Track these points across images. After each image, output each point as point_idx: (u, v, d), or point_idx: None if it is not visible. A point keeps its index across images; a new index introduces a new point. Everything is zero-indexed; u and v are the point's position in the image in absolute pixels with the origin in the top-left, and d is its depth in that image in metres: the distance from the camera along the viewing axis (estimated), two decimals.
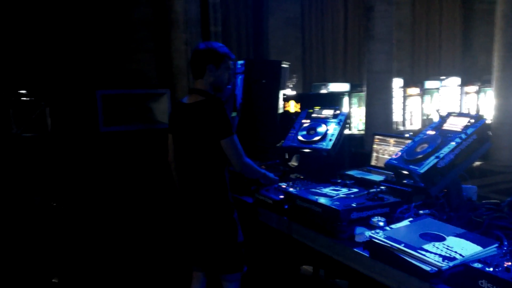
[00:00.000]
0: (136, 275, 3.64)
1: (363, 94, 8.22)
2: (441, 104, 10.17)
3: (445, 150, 2.10)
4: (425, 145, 2.22)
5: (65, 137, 3.55)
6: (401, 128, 9.47)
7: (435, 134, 2.27)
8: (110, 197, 3.61)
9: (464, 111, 10.29)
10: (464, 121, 2.20)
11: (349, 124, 3.00)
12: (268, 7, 8.87)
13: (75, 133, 3.57)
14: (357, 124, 8.81)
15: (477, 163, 8.93)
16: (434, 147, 2.15)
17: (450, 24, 12.65)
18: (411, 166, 2.16)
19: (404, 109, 9.72)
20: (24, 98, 3.39)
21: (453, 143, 2.10)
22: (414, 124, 9.74)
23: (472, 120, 2.17)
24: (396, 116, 9.25)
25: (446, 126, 2.29)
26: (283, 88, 4.63)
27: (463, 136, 2.11)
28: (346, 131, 3.19)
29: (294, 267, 3.19)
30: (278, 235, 2.55)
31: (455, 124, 2.24)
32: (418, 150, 2.23)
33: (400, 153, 2.34)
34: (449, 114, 2.35)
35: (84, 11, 3.97)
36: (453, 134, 2.17)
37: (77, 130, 3.58)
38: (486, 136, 2.17)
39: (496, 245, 1.71)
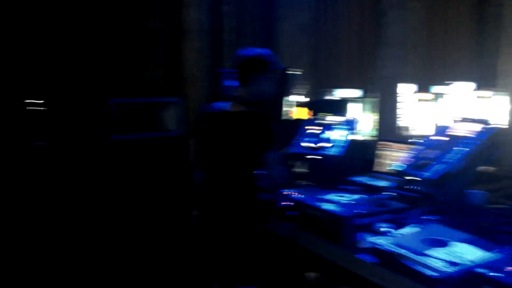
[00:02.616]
0: (139, 283, 3.65)
1: (376, 100, 8.19)
2: (454, 109, 10.06)
3: (457, 156, 2.08)
4: (435, 151, 2.21)
5: (77, 146, 3.60)
6: (413, 133, 9.38)
7: (445, 140, 2.25)
8: (119, 205, 3.65)
9: (479, 116, 10.17)
10: (476, 127, 2.18)
11: (356, 130, 2.98)
12: (280, 14, 8.90)
13: (87, 142, 3.62)
14: (370, 130, 8.77)
15: (488, 167, 8.80)
16: (444, 152, 2.14)
17: (465, 28, 12.52)
18: (419, 172, 2.15)
19: (416, 114, 9.64)
20: (37, 108, 3.45)
21: (466, 149, 2.08)
22: (426, 129, 9.64)
23: (486, 126, 2.14)
24: (409, 122, 9.17)
25: (457, 132, 2.27)
26: (288, 95, 4.65)
27: (478, 142, 2.08)
28: (359, 137, 3.18)
29: (299, 273, 3.18)
30: (283, 241, 2.55)
31: (466, 130, 2.22)
32: (427, 155, 2.22)
33: (408, 158, 2.33)
34: (459, 120, 2.34)
35: (99, 20, 4.04)
36: (465, 140, 2.14)
37: (89, 138, 3.63)
38: (498, 143, 2.15)
39: (500, 250, 1.69)
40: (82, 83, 3.75)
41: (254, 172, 2.30)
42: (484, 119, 2.20)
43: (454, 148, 2.11)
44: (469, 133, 2.17)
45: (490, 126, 2.14)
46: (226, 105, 2.39)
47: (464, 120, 2.30)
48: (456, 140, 2.17)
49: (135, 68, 4.32)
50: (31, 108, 3.49)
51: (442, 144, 2.20)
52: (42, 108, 3.53)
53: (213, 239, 2.39)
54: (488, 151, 2.09)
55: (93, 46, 3.94)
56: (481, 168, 2.15)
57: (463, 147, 2.09)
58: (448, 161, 2.06)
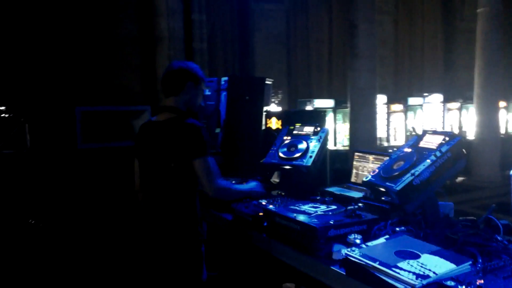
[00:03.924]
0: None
1: (348, 110, 8.32)
2: (424, 120, 10.32)
3: (421, 167, 2.13)
4: (401, 162, 2.25)
5: (44, 154, 3.51)
6: (385, 144, 9.57)
7: (411, 151, 2.30)
8: (86, 213, 3.58)
9: (447, 127, 10.48)
10: (439, 139, 2.24)
11: (328, 141, 2.99)
12: (253, 23, 8.98)
13: (53, 150, 3.54)
14: (342, 140, 8.90)
15: (460, 178, 9.09)
16: (410, 164, 2.18)
17: (432, 41, 12.93)
18: (387, 183, 2.19)
19: (388, 125, 9.85)
20: (3, 115, 3.35)
21: (428, 161, 2.13)
22: (398, 140, 9.86)
23: (447, 138, 2.20)
24: (380, 132, 9.36)
25: (422, 144, 2.32)
26: (267, 105, 4.66)
27: (438, 153, 2.14)
28: (332, 147, 3.21)
29: (276, 285, 3.17)
30: (258, 253, 2.54)
31: (430, 142, 2.28)
32: (395, 167, 2.26)
33: (377, 170, 2.36)
34: (425, 132, 2.39)
35: (68, 27, 3.96)
36: (428, 152, 2.20)
37: (56, 146, 3.55)
38: (461, 154, 2.21)
39: (470, 262, 1.72)
40: (50, 90, 3.67)
41: (189, 185, 2.28)
42: (445, 131, 2.26)
43: (420, 160, 2.16)
44: (432, 145, 2.23)
45: (452, 137, 2.20)
46: (154, 117, 2.44)
47: (428, 132, 2.37)
48: (421, 152, 2.22)
49: (105, 75, 4.26)
50: None
51: (409, 156, 2.24)
52: (8, 115, 3.43)
53: (147, 259, 2.37)
54: (450, 163, 2.15)
55: (62, 52, 3.86)
56: (459, 179, 2.20)
57: (426, 158, 2.14)
58: (413, 173, 2.10)
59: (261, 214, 2.44)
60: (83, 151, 3.49)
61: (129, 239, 3.73)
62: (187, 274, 2.30)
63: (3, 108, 3.39)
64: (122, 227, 3.72)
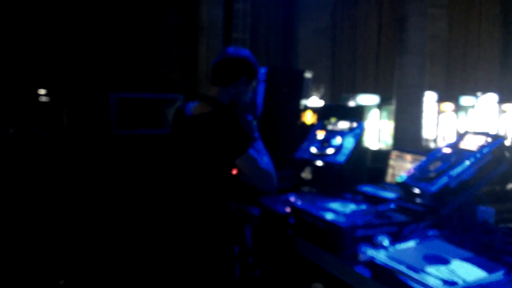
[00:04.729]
0: (144, 278, 3.63)
1: (393, 108, 8.05)
2: (476, 121, 9.84)
3: (459, 169, 2.01)
4: (439, 163, 2.13)
5: (79, 138, 3.59)
6: (433, 145, 9.21)
7: (450, 152, 2.18)
8: (118, 198, 3.64)
9: (501, 129, 9.94)
10: (480, 140, 2.10)
11: (364, 137, 2.88)
12: (298, 16, 8.86)
13: (88, 135, 3.61)
14: (386, 139, 8.63)
15: (510, 185, 8.58)
16: (448, 165, 2.07)
17: (488, 38, 12.28)
18: (422, 184, 2.08)
19: (437, 125, 9.45)
20: (42, 98, 3.46)
21: (467, 162, 2.01)
22: (447, 141, 9.45)
23: (489, 139, 2.06)
24: (428, 132, 9.00)
25: (463, 145, 2.19)
26: (306, 98, 4.58)
27: (478, 155, 2.01)
28: (371, 145, 3.11)
29: (304, 284, 3.12)
30: (285, 250, 2.49)
31: (471, 143, 2.15)
32: (431, 168, 2.14)
33: (413, 170, 2.26)
34: (466, 132, 2.26)
35: (112, 15, 4.04)
36: (468, 153, 2.07)
37: (91, 131, 3.63)
38: (503, 157, 2.06)
39: (503, 271, 1.61)
40: (92, 76, 3.76)
41: (223, 181, 2.14)
42: (487, 132, 2.12)
43: (458, 161, 2.03)
44: (472, 146, 2.09)
45: (494, 139, 2.05)
46: (192, 106, 2.24)
47: (470, 132, 2.22)
48: (460, 153, 2.09)
49: (146, 63, 4.32)
50: (36, 98, 3.49)
51: (447, 157, 2.12)
52: (47, 99, 3.52)
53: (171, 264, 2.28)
54: (491, 165, 2.01)
55: (107, 39, 3.95)
56: (489, 183, 2.07)
57: (466, 160, 2.01)
58: (451, 175, 1.98)
59: (288, 210, 2.39)
60: (116, 136, 3.54)
61: (157, 230, 3.77)
62: (217, 272, 2.19)
63: (42, 91, 3.50)
64: (149, 214, 3.76)
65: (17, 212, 3.50)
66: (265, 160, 2.20)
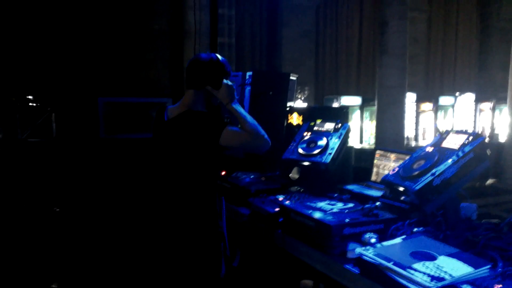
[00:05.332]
0: (136, 278, 3.62)
1: (375, 108, 8.19)
2: (454, 120, 10.06)
3: (441, 167, 2.07)
4: (422, 162, 2.19)
5: (69, 143, 3.58)
6: (414, 143, 9.37)
7: (433, 151, 2.24)
8: (108, 202, 3.63)
9: (479, 128, 10.17)
10: (462, 139, 2.17)
11: (349, 138, 2.94)
12: (282, 20, 8.93)
13: (77, 139, 3.60)
14: (369, 138, 8.76)
15: (490, 181, 8.82)
16: (431, 164, 2.12)
17: (466, 40, 12.56)
18: (406, 183, 2.13)
19: (417, 124, 9.64)
20: (31, 104, 3.44)
21: (449, 161, 2.07)
22: (427, 140, 9.65)
23: (470, 138, 2.13)
24: (409, 132, 9.17)
25: (445, 143, 2.26)
26: (291, 100, 4.62)
27: (460, 153, 2.08)
28: (357, 145, 3.16)
29: (294, 281, 3.16)
30: (275, 248, 2.53)
31: (453, 142, 2.21)
32: (415, 166, 2.20)
33: (397, 168, 2.31)
34: (448, 131, 2.32)
35: (100, 20, 4.03)
36: (450, 152, 2.14)
37: (80, 136, 3.62)
38: (484, 155, 2.14)
39: (489, 266, 1.66)
40: (79, 81, 3.74)
41: (208, 178, 2.25)
42: (467, 131, 2.19)
43: (441, 160, 2.09)
44: (454, 145, 2.16)
45: (475, 137, 2.12)
46: (173, 107, 2.37)
47: (452, 131, 2.29)
48: (443, 151, 2.16)
49: (133, 68, 4.31)
50: (24, 104, 3.47)
51: (430, 156, 2.18)
52: (35, 104, 3.50)
53: (162, 256, 2.35)
54: (473, 163, 2.07)
55: (93, 45, 3.94)
56: (489, 182, 2.13)
57: (448, 158, 2.08)
58: (434, 173, 2.04)
59: (277, 209, 2.43)
60: (105, 141, 3.54)
61: (147, 231, 3.78)
62: (206, 269, 2.27)
63: (31, 97, 3.47)
64: (140, 217, 3.76)
65: (7, 217, 3.47)
66: (249, 120, 2.30)
